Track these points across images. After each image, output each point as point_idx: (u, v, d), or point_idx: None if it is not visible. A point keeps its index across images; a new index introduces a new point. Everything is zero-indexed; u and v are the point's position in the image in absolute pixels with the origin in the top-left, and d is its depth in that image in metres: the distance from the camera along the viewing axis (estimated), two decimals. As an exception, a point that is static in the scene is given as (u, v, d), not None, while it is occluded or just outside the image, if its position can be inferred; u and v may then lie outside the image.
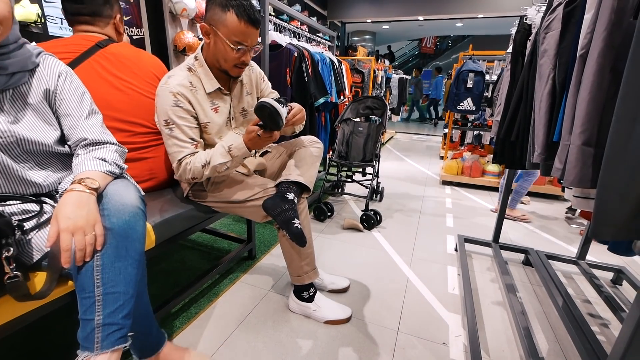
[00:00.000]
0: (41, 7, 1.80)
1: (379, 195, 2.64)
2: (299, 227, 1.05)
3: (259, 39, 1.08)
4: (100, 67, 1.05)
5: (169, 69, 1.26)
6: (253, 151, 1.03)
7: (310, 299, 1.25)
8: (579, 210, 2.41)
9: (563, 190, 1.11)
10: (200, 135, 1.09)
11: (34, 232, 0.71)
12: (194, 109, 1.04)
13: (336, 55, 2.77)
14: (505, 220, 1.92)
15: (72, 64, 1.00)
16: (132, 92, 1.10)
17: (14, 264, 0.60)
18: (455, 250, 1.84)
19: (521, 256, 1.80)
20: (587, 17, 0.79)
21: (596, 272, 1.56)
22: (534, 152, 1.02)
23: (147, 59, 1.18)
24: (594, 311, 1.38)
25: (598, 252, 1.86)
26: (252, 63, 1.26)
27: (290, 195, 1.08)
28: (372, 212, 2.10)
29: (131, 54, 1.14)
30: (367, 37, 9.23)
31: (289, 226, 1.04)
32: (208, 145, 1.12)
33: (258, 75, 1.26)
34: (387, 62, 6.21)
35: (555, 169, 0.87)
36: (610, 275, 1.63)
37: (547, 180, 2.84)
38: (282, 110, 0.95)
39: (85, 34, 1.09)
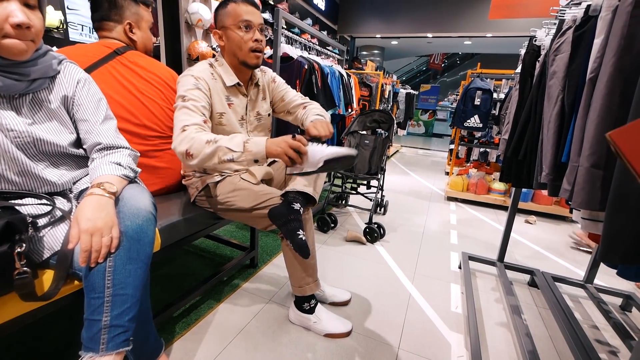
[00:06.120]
0: (64, 14, 1.87)
1: (383, 209, 2.64)
2: (304, 238, 1.05)
3: (269, 33, 1.15)
4: (116, 72, 1.10)
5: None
6: (267, 160, 0.99)
7: (311, 311, 1.24)
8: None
9: (571, 212, 1.10)
10: (212, 125, 1.11)
11: (46, 229, 0.72)
12: (210, 94, 1.09)
13: (345, 69, 2.82)
14: (510, 239, 1.90)
15: (89, 69, 1.04)
16: (145, 97, 1.15)
17: (25, 261, 0.61)
18: (459, 267, 1.81)
19: (526, 277, 1.76)
20: (597, 41, 0.80)
21: (604, 297, 1.53)
22: (541, 172, 1.02)
23: (161, 70, 1.23)
24: (602, 337, 1.34)
25: (606, 276, 1.83)
26: (265, 68, 1.29)
27: (297, 206, 1.08)
28: (376, 225, 2.09)
29: (146, 63, 1.18)
30: (376, 51, 9.37)
31: (293, 236, 1.04)
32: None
33: (269, 78, 1.29)
34: (394, 77, 6.29)
35: (563, 190, 0.87)
36: (619, 300, 1.59)
37: (554, 200, 2.81)
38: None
39: (106, 40, 1.14)
